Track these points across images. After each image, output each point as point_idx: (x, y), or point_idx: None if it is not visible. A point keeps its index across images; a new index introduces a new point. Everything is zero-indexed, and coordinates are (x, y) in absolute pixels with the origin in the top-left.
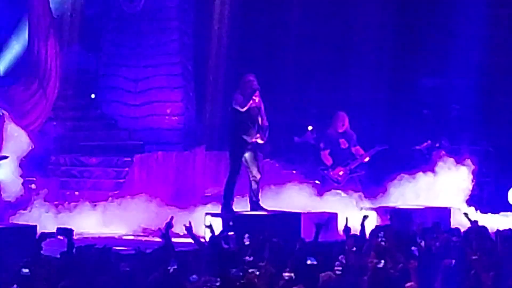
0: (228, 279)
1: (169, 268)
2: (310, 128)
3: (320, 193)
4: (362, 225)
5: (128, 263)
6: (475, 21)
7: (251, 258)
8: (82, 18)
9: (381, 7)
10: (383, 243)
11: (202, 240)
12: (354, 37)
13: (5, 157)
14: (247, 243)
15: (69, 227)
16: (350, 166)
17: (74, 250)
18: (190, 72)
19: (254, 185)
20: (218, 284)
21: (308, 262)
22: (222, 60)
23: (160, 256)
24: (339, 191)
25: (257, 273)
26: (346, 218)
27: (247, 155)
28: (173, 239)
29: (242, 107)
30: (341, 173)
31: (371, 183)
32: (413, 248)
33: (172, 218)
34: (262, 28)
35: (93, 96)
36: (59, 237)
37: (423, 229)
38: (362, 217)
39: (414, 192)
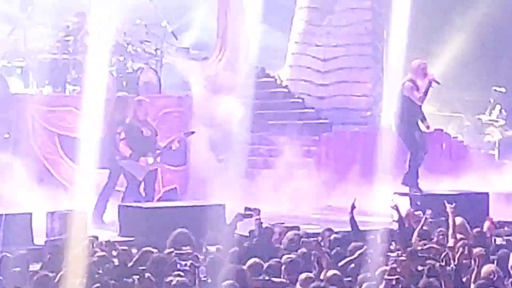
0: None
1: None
2: None
3: None
4: None
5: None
6: None
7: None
8: None
9: None
10: None
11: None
12: None
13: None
14: (430, 220)
15: (257, 207)
16: None
17: (261, 229)
18: (381, 53)
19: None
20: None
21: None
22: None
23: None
24: None
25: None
26: None
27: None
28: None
29: (420, 102)
30: None
31: None
32: None
33: (355, 200)
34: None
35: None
36: (255, 217)
37: None
38: None
39: None
